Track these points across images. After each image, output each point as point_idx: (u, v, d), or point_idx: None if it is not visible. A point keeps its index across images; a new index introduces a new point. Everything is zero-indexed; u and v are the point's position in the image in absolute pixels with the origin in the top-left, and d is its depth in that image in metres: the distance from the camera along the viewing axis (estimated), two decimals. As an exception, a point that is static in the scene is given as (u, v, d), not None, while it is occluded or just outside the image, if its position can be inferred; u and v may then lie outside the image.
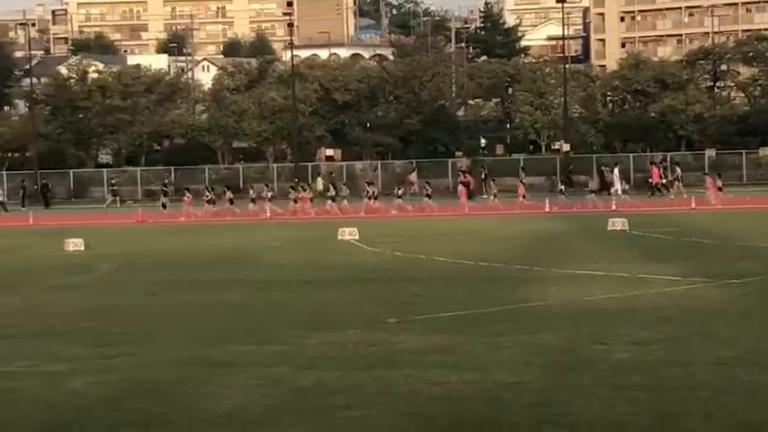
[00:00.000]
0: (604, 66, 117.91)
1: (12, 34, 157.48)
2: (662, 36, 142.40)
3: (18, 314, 23.13)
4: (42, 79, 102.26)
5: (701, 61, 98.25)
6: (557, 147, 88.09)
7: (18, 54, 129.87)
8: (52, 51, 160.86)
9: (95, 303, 24.46)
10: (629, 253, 32.64)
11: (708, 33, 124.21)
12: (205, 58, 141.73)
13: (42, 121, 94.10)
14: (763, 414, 12.57)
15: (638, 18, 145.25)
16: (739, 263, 28.81)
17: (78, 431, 12.75)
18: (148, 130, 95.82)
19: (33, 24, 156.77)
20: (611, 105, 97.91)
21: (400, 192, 64.93)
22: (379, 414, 12.99)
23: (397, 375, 15.03)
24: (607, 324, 19.09)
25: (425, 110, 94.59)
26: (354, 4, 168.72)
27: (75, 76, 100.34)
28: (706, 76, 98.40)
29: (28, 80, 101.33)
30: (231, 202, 62.47)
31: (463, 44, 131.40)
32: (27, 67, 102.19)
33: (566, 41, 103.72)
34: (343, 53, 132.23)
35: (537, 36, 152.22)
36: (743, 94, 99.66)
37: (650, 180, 72.26)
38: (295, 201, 62.54)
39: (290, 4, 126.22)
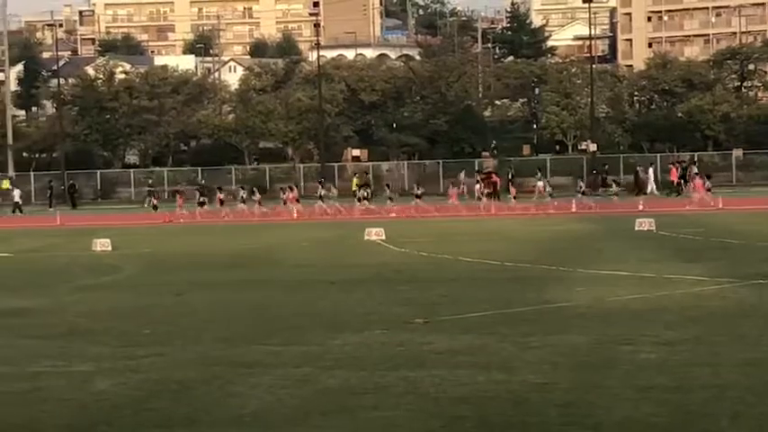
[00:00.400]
0: (631, 66, 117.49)
1: (39, 35, 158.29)
2: (689, 36, 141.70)
3: (46, 314, 23.24)
4: (70, 80, 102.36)
5: (729, 61, 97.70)
6: (583, 147, 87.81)
7: (45, 55, 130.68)
8: (79, 52, 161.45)
9: (123, 303, 24.57)
10: (656, 253, 32.52)
11: (735, 33, 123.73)
12: (232, 59, 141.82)
13: (70, 122, 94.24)
14: (791, 415, 12.51)
15: (665, 18, 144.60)
16: (767, 263, 28.67)
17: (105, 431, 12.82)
18: (175, 130, 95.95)
19: (61, 25, 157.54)
20: (638, 105, 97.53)
21: (420, 191, 64.43)
22: (406, 415, 12.99)
23: (424, 376, 15.04)
24: (633, 324, 19.05)
25: (452, 110, 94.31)
26: (381, 4, 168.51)
27: (102, 76, 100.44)
28: (733, 75, 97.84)
29: (55, 81, 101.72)
30: (260, 203, 62.52)
31: (490, 44, 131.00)
32: (54, 67, 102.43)
33: (592, 41, 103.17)
34: (370, 53, 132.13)
35: (563, 36, 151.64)
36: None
37: (672, 180, 72.20)
38: (285, 202, 62.47)
39: (316, 5, 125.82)
